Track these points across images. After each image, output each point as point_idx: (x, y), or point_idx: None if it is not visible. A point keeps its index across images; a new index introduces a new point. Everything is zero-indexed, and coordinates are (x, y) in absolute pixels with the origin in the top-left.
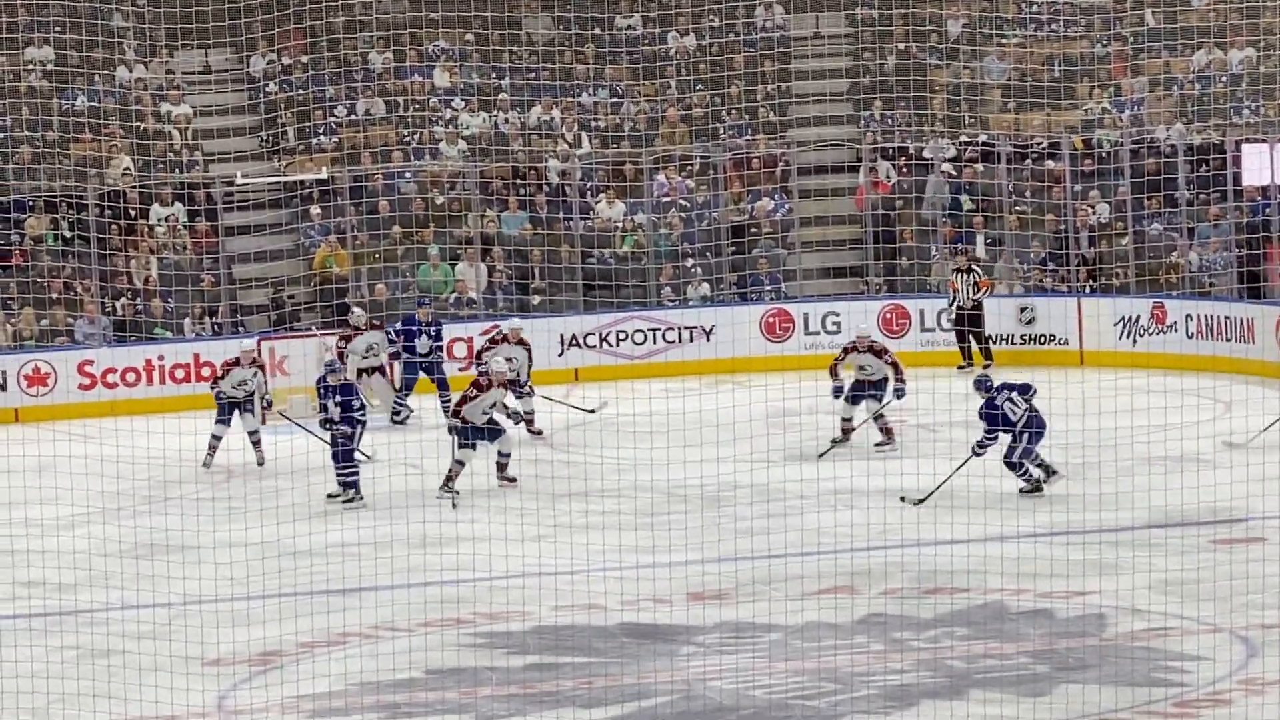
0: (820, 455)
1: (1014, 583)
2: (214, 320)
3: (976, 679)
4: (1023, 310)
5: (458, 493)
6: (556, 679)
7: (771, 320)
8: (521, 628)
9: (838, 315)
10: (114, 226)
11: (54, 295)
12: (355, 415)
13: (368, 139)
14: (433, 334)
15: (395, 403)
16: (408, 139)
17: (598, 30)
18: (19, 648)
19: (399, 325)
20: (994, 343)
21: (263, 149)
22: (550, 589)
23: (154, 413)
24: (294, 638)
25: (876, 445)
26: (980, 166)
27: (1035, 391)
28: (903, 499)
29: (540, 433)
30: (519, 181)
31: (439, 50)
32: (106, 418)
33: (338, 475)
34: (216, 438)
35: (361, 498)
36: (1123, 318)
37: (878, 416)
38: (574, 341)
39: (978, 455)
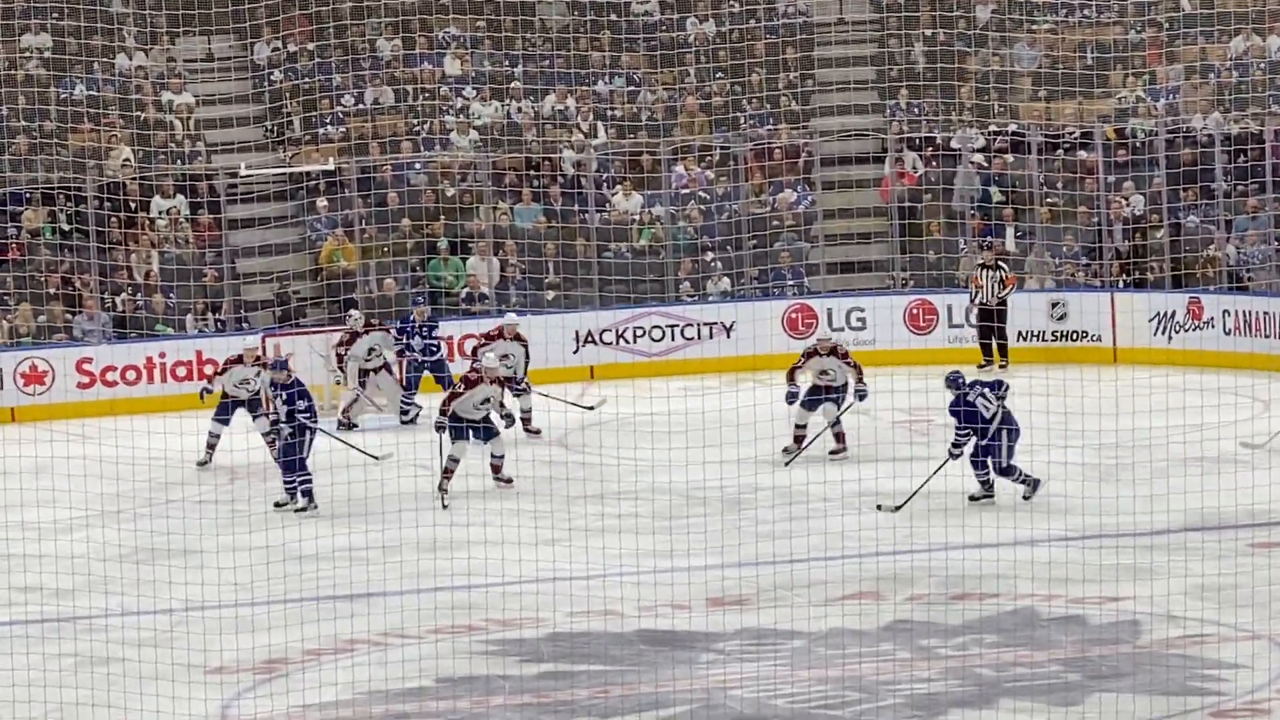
0: (787, 464)
1: (1045, 588)
2: (217, 316)
3: (1006, 688)
4: (1054, 306)
5: (445, 492)
6: (571, 688)
7: (794, 316)
8: (535, 634)
9: (862, 311)
10: (114, 219)
11: (52, 290)
12: (303, 419)
13: (376, 129)
14: (425, 333)
15: (402, 401)
16: (417, 129)
17: (614, 16)
18: (15, 655)
19: (398, 323)
20: (1024, 339)
21: (267, 139)
22: (565, 594)
23: (155, 412)
24: (300, 645)
25: (831, 453)
26: (1010, 157)
27: (1008, 389)
28: (879, 507)
29: (538, 432)
30: (532, 173)
31: (450, 37)
32: (106, 417)
33: (285, 483)
34: (215, 435)
35: (315, 505)
36: (1158, 313)
37: (835, 422)
38: (589, 338)
39: (954, 457)
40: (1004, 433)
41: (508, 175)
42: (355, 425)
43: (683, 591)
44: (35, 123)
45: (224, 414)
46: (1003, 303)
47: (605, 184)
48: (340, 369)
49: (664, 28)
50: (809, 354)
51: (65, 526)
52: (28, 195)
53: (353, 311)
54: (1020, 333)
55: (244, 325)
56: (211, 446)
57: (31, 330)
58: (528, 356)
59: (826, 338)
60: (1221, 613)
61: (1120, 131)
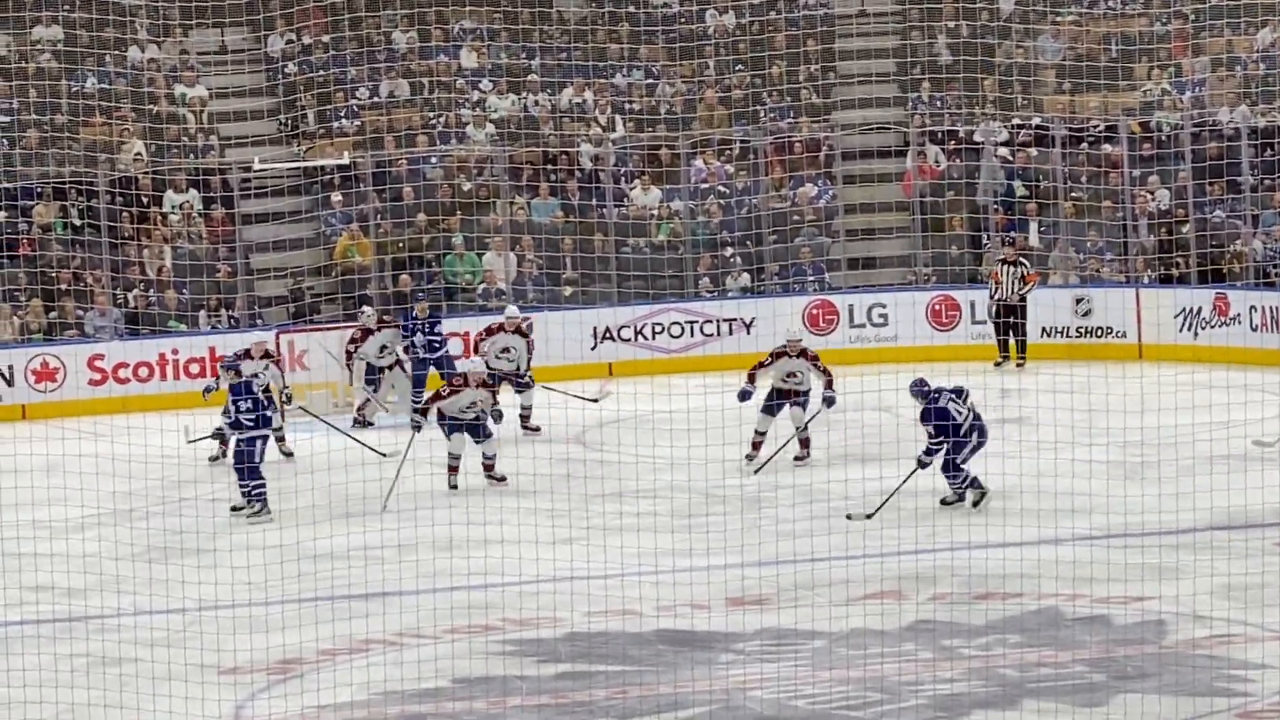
0: (755, 471)
1: (1069, 587)
2: (230, 313)
3: (1030, 688)
4: (1079, 302)
5: (455, 486)
6: (589, 688)
7: (815, 312)
8: (553, 634)
9: (884, 307)
10: (126, 214)
11: (63, 286)
12: (245, 422)
13: (391, 122)
14: (427, 329)
15: (412, 401)
16: (433, 122)
17: (632, 8)
18: (26, 655)
19: (402, 321)
20: (1048, 335)
21: (281, 133)
22: (583, 594)
23: (168, 409)
24: (314, 645)
25: (796, 459)
26: (1034, 151)
27: (969, 394)
28: (849, 517)
29: (537, 429)
30: (550, 167)
31: (466, 29)
32: (118, 414)
33: (240, 487)
34: (223, 430)
35: (269, 513)
36: (1183, 309)
37: (803, 428)
38: (607, 334)
39: (924, 466)
40: (975, 431)
41: (525, 169)
42: (371, 423)
43: (702, 591)
44: (46, 116)
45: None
46: (1023, 299)
47: (623, 178)
48: (348, 366)
49: (683, 20)
50: (777, 354)
51: (77, 525)
52: (39, 190)
53: (366, 308)
54: (1044, 329)
55: (257, 321)
56: (224, 443)
57: (43, 326)
58: (530, 350)
59: (796, 339)
60: (1248, 612)
61: (1145, 125)
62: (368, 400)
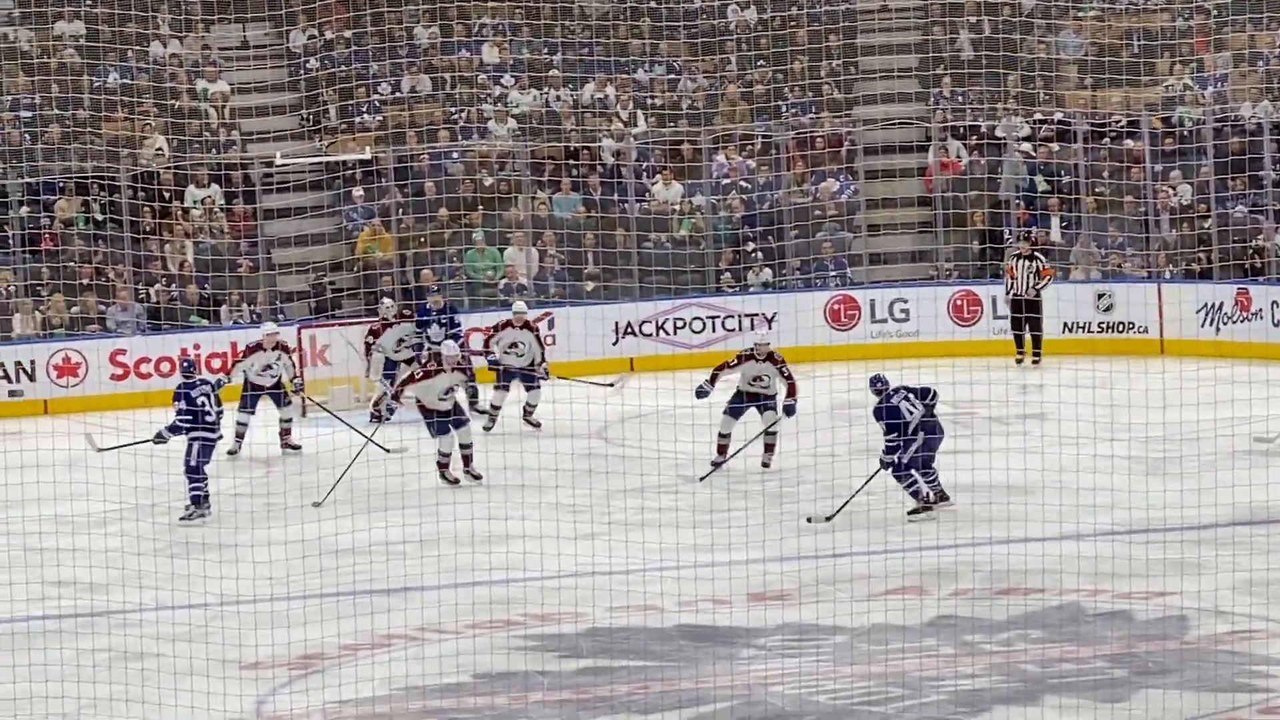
0: (702, 479)
1: (1091, 583)
2: (252, 307)
3: (1051, 684)
4: (1100, 297)
5: (453, 481)
6: (611, 684)
7: (836, 307)
8: (574, 630)
9: (905, 302)
10: (147, 209)
11: (85, 281)
12: (181, 424)
13: (413, 117)
14: (443, 322)
15: None
16: (455, 117)
17: (654, 3)
18: (49, 650)
19: (417, 316)
20: (1070, 331)
21: (303, 128)
22: (604, 589)
23: None
24: (336, 640)
25: (764, 465)
26: (1055, 146)
27: (937, 396)
28: (809, 519)
29: (538, 425)
30: (571, 162)
31: (487, 24)
32: (140, 409)
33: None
34: (243, 425)
35: (204, 513)
36: (1205, 304)
37: (770, 432)
38: (629, 330)
39: (885, 466)
40: (921, 435)
41: (546, 164)
42: (386, 419)
43: (723, 586)
44: (69, 111)
45: (250, 403)
46: (1038, 294)
47: (645, 173)
48: (366, 358)
49: (704, 15)
50: (744, 358)
51: (99, 520)
52: (61, 185)
53: (386, 300)
54: (1066, 324)
55: (279, 316)
56: (240, 436)
57: (64, 321)
58: (540, 345)
59: (764, 342)
60: (1271, 608)
61: (1167, 120)
62: (384, 394)
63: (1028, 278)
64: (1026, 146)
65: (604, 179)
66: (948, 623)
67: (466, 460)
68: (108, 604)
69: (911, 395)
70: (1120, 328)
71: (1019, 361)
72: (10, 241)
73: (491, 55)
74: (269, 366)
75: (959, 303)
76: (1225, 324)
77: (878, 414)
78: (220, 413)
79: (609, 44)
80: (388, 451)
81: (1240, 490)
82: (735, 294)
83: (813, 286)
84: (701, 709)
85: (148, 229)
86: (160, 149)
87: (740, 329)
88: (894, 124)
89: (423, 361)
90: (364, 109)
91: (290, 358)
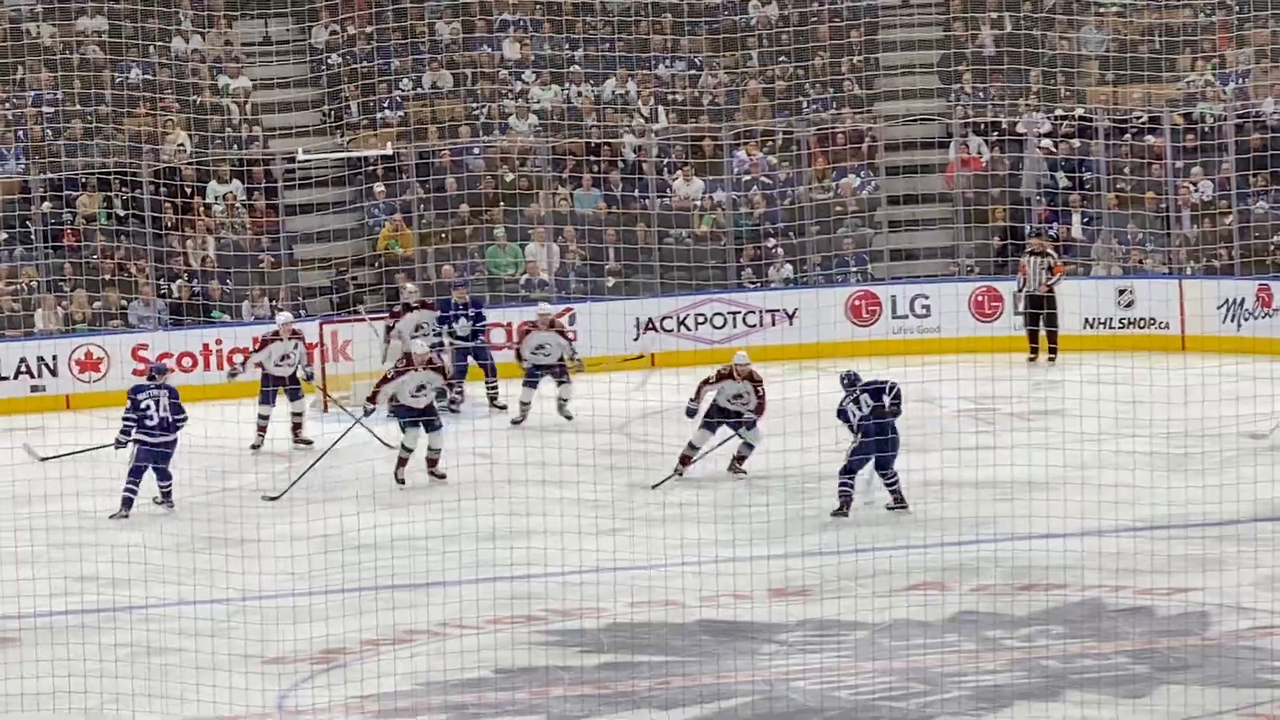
0: (655, 486)
1: (1112, 579)
2: (273, 303)
3: (1072, 680)
4: (1121, 293)
5: (403, 482)
6: (632, 679)
7: (857, 303)
8: (595, 625)
9: (926, 298)
10: (169, 205)
11: (107, 276)
12: (132, 424)
13: (434, 113)
14: (471, 316)
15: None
16: (476, 113)
17: None
18: (71, 645)
19: (438, 311)
20: (1091, 327)
21: (325, 124)
22: (625, 585)
23: (211, 399)
24: (358, 635)
25: (730, 469)
26: (1077, 142)
27: (899, 395)
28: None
29: (570, 417)
30: (592, 158)
31: (509, 20)
32: None
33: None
34: (264, 418)
35: (125, 514)
36: (1227, 300)
37: (748, 445)
38: (650, 325)
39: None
40: (858, 438)
41: (567, 160)
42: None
43: (744, 582)
44: (91, 107)
45: (269, 398)
46: (1051, 291)
47: (666, 169)
48: (386, 342)
49: (726, 10)
50: (724, 375)
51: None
52: (83, 180)
53: (409, 284)
54: (1087, 320)
55: (301, 312)
56: (262, 430)
57: (87, 317)
58: (569, 344)
59: (744, 363)
60: None
61: (1189, 116)
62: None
63: (1039, 274)
64: (1047, 142)
65: (625, 175)
66: (969, 618)
67: (432, 463)
68: (130, 599)
69: (865, 394)
70: (1141, 324)
71: (1031, 360)
72: (33, 237)
73: (513, 51)
74: (286, 356)
75: (980, 299)
76: (1246, 320)
77: (839, 412)
78: (175, 420)
79: (630, 39)
80: (390, 448)
81: (1262, 486)
82: (756, 290)
83: (834, 282)
84: (722, 704)
85: (169, 224)
86: (182, 144)
87: (761, 325)
88: (915, 120)
89: (440, 354)
90: (385, 105)
91: (305, 345)
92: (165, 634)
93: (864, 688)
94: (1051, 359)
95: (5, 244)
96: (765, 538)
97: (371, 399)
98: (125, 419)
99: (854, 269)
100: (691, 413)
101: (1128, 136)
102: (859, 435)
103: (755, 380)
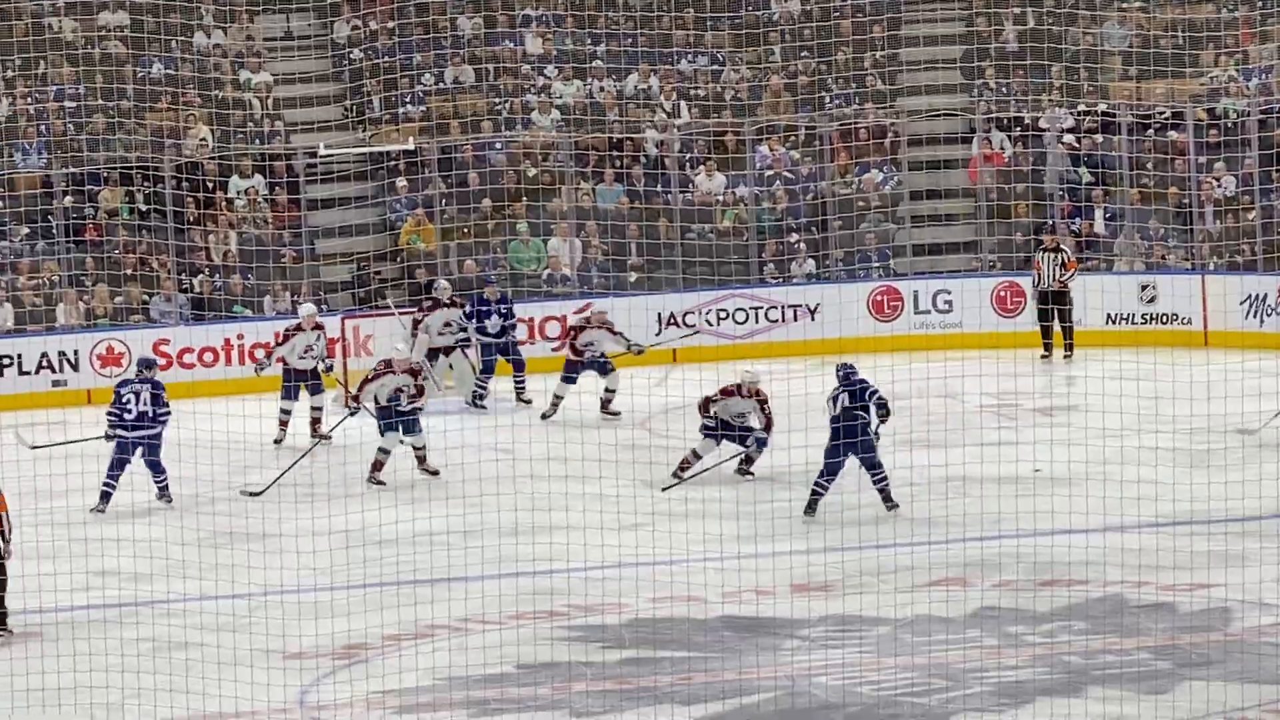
0: (665, 489)
1: (1134, 575)
2: (295, 298)
3: (1094, 675)
4: (1144, 288)
5: (383, 483)
6: (654, 674)
7: (879, 298)
8: (617, 620)
9: (949, 293)
10: (191, 199)
11: (129, 271)
12: (114, 419)
13: (456, 108)
14: (503, 312)
15: (476, 385)
16: (498, 108)
17: None
18: (93, 639)
19: (468, 307)
20: (1114, 322)
21: (347, 119)
22: (647, 580)
23: (233, 394)
24: (379, 630)
25: (739, 472)
26: (1099, 137)
27: (883, 407)
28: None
29: (618, 414)
30: (615, 153)
31: (531, 15)
32: (183, 399)
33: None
34: (286, 412)
35: (100, 510)
36: (1249, 296)
37: (749, 459)
38: (672, 320)
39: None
40: (837, 439)
41: (590, 155)
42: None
43: (766, 577)
44: (113, 101)
45: (292, 393)
46: (1065, 286)
47: (688, 164)
48: (413, 336)
49: (748, 5)
50: (729, 392)
51: (142, 510)
52: (105, 175)
53: (441, 281)
54: (1110, 315)
55: (323, 307)
56: (284, 425)
57: (108, 311)
58: (619, 336)
59: (755, 380)
60: None
61: (1211, 111)
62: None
63: (1053, 270)
64: (1070, 138)
65: (647, 170)
66: (990, 614)
67: (421, 460)
68: (151, 594)
69: (845, 394)
70: (1164, 319)
71: (1045, 357)
72: (55, 232)
73: (535, 46)
74: (310, 347)
75: (1002, 294)
76: (1269, 315)
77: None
78: (156, 414)
79: (652, 34)
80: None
81: None
82: (778, 285)
83: (856, 278)
84: (744, 700)
85: (191, 219)
86: (204, 139)
87: (783, 320)
88: (938, 115)
89: (465, 350)
90: (407, 100)
91: (325, 338)
92: (186, 629)
93: (886, 683)
94: (1067, 356)
95: (27, 238)
96: (787, 533)
97: (355, 398)
98: (109, 413)
99: (876, 264)
100: (738, 438)
101: (1150, 132)
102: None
103: (762, 398)
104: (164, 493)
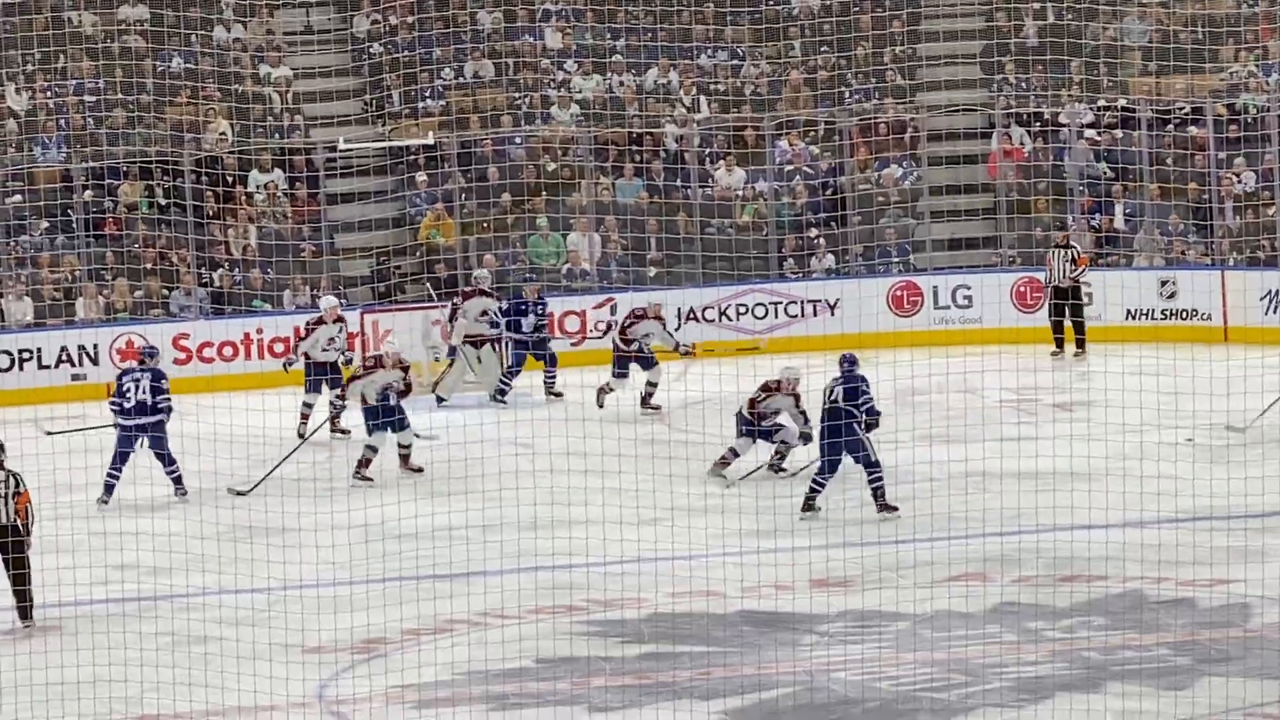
0: (729, 486)
1: (1154, 570)
2: (315, 292)
3: (1114, 671)
4: (1164, 284)
5: (370, 480)
6: (673, 669)
7: (899, 293)
8: (636, 615)
9: (968, 289)
10: (211, 194)
11: (148, 265)
12: (116, 410)
13: (476, 103)
14: (540, 312)
15: (500, 380)
16: (518, 103)
17: None
18: (111, 634)
19: (504, 304)
20: (1133, 318)
21: (366, 113)
22: (666, 575)
23: (252, 388)
24: (398, 625)
25: (770, 467)
26: (1119, 133)
27: (871, 411)
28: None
29: (658, 409)
30: (634, 148)
31: (550, 9)
32: (203, 394)
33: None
34: (308, 405)
35: (104, 501)
36: (1269, 291)
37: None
38: (691, 315)
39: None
40: (824, 439)
41: (609, 150)
42: (444, 400)
43: (786, 572)
44: (132, 95)
45: (314, 386)
46: (1075, 283)
47: (708, 159)
48: (450, 322)
49: (768, 0)
50: (771, 389)
51: (161, 504)
52: (125, 169)
53: (482, 270)
54: (1129, 311)
55: (342, 301)
56: (306, 418)
57: (128, 306)
58: (665, 328)
59: (795, 377)
60: None
61: (1231, 107)
62: (443, 375)
63: (1063, 266)
64: (1090, 133)
65: (667, 165)
66: (1010, 610)
67: (405, 459)
68: (170, 588)
69: (840, 389)
70: (1184, 315)
71: (1056, 354)
72: (74, 225)
73: (554, 40)
74: (333, 339)
75: (1022, 289)
76: None
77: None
78: (156, 403)
79: (672, 29)
80: (417, 437)
81: None
82: (798, 280)
83: (875, 273)
84: (763, 695)
85: (211, 213)
86: (223, 133)
87: (803, 315)
88: (957, 110)
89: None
90: (427, 94)
91: (346, 330)
92: (205, 623)
93: (905, 679)
94: (1079, 352)
95: (47, 232)
96: (806, 528)
97: (341, 395)
98: (111, 401)
99: (896, 259)
100: (750, 432)
101: (1170, 127)
102: (819, 420)
103: (799, 396)
104: (178, 484)
